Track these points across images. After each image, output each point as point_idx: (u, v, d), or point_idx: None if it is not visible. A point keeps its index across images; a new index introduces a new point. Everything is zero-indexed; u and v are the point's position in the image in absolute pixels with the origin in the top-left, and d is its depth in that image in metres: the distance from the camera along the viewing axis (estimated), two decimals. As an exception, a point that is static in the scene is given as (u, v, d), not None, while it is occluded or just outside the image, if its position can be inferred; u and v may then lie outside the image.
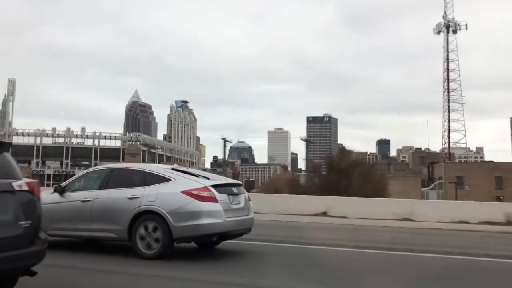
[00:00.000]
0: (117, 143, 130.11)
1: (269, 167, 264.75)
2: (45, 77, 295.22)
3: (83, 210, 7.52)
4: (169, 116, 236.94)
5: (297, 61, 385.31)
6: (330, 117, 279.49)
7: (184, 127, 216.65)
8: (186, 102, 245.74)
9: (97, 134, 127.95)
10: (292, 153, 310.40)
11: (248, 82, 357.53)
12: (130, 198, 7.20)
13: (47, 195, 7.49)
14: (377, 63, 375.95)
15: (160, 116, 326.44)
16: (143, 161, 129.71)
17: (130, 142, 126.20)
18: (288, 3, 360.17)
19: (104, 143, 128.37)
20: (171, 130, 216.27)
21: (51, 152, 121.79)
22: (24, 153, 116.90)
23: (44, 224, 4.96)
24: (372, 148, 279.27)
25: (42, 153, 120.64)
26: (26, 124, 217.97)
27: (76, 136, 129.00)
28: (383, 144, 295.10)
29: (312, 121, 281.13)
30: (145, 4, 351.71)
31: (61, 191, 7.87)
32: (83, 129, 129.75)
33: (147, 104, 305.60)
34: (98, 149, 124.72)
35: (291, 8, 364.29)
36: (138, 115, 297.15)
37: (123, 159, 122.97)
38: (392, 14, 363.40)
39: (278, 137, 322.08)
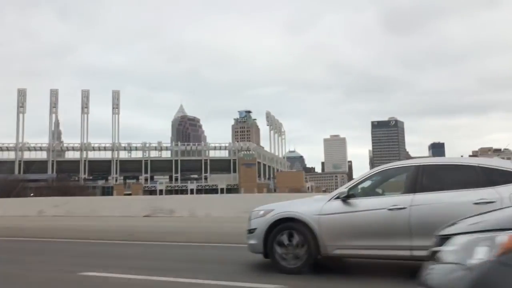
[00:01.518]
0: (221, 154, 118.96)
1: (335, 176, 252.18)
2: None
3: (395, 221, 5.57)
4: (233, 127, 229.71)
5: (335, 68, 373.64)
6: (396, 121, 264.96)
7: (252, 137, 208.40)
8: (249, 112, 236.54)
9: (204, 145, 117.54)
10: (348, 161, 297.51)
11: (285, 91, 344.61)
12: (478, 204, 5.16)
13: (323, 203, 5.94)
14: (418, 66, 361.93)
15: (207, 128, 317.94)
16: (260, 172, 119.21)
17: (245, 152, 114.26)
18: (327, 10, 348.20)
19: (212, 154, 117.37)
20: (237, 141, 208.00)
21: (157, 167, 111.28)
22: (130, 168, 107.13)
23: (327, 241, 5.44)
24: (423, 152, 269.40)
25: (150, 167, 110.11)
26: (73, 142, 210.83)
27: (155, 148, 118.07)
28: (437, 148, 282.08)
29: (377, 126, 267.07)
30: (182, 19, 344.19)
31: (346, 197, 5.88)
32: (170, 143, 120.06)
33: (196, 117, 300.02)
34: (208, 161, 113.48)
35: (330, 15, 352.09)
36: (187, 129, 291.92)
37: (234, 171, 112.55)
38: (434, 14, 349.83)
39: (334, 144, 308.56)
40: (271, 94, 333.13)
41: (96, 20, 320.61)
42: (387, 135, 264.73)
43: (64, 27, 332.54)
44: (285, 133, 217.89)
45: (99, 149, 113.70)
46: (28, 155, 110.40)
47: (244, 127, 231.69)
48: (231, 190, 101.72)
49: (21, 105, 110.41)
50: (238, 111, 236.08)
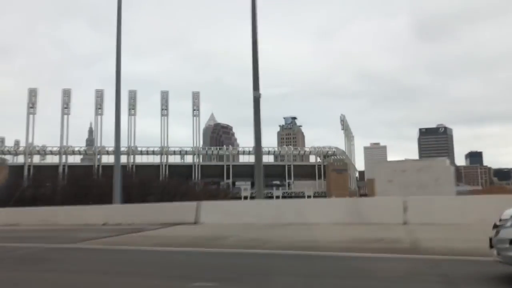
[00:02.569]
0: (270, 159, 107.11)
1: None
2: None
3: None
4: (279, 133, 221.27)
5: (364, 75, 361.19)
6: (445, 128, 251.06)
7: (298, 143, 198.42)
8: (294, 118, 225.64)
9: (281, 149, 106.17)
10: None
11: (311, 99, 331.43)
12: None
13: None
14: (449, 73, 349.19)
15: (239, 136, 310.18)
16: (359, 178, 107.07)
17: (334, 157, 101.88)
18: (358, 17, 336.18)
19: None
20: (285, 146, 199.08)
21: (237, 172, 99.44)
22: (209, 174, 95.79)
23: None
24: (460, 162, 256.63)
25: (232, 173, 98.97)
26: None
27: (209, 152, 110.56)
28: (475, 157, 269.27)
29: (425, 133, 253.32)
30: (210, 28, 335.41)
31: None
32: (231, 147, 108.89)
33: (228, 125, 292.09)
34: (292, 167, 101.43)
35: (360, 21, 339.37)
36: (221, 137, 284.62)
37: (321, 177, 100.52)
38: (468, 21, 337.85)
39: (374, 153, 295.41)
40: (298, 101, 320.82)
41: (127, 29, 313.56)
42: (436, 143, 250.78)
43: (95, 36, 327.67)
44: (305, 140, 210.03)
45: (147, 153, 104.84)
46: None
47: (290, 133, 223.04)
48: (319, 197, 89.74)
49: (66, 106, 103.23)
50: (284, 118, 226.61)
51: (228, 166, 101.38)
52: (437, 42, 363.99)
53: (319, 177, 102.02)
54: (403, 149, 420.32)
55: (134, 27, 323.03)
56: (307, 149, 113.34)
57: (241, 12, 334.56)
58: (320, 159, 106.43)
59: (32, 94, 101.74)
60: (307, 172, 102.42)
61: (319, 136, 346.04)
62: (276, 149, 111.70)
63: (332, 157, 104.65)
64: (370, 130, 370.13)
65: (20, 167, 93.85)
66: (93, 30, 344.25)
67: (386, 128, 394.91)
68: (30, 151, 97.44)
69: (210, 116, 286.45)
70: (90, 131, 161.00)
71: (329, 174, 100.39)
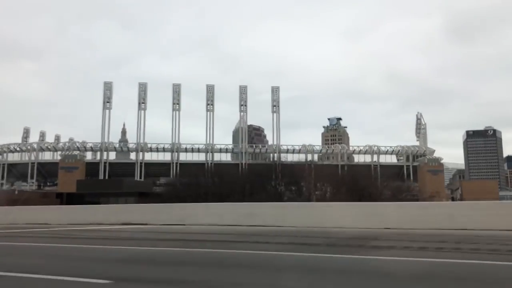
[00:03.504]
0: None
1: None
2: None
3: None
4: (323, 134, 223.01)
5: (393, 77, 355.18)
6: (494, 130, 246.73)
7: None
8: (339, 119, 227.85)
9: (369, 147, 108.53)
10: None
11: (339, 102, 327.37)
12: None
13: None
14: (480, 75, 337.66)
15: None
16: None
17: (428, 157, 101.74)
18: (390, 16, 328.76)
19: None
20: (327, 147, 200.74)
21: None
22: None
23: None
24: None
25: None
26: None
27: (293, 151, 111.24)
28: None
29: (472, 135, 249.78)
30: (237, 30, 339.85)
31: None
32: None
33: (260, 127, 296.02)
34: (378, 167, 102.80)
35: (392, 22, 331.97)
36: (253, 139, 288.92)
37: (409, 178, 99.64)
38: (503, 20, 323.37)
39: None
40: (325, 103, 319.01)
41: (157, 30, 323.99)
42: (484, 146, 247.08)
43: (127, 37, 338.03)
44: (349, 141, 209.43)
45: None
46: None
47: (335, 134, 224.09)
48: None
49: (143, 101, 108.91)
50: (328, 118, 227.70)
51: (309, 165, 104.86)
52: (470, 43, 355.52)
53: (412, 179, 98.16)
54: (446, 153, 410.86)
55: (164, 28, 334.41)
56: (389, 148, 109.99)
57: (270, 12, 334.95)
58: (403, 159, 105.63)
59: (107, 88, 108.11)
60: (392, 173, 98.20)
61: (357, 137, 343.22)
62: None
63: (427, 157, 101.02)
64: (398, 133, 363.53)
65: (95, 164, 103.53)
66: (124, 30, 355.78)
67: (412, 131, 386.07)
68: (106, 147, 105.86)
69: (240, 118, 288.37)
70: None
71: (423, 175, 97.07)
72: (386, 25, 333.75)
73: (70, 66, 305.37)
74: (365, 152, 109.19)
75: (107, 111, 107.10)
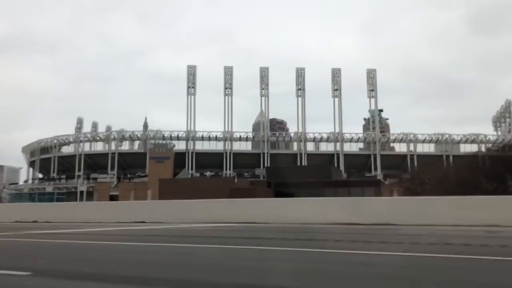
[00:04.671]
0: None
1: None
2: (153, 101, 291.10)
3: None
4: (364, 127, 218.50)
5: (409, 71, 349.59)
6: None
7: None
8: (381, 110, 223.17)
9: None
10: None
11: (353, 96, 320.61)
12: None
13: None
14: (500, 69, 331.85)
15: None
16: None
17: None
18: (409, 8, 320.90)
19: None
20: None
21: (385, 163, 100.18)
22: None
23: None
24: None
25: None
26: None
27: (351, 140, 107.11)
28: None
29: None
30: (254, 23, 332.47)
31: None
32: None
33: (283, 120, 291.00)
34: (451, 157, 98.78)
35: (411, 13, 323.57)
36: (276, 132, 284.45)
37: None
38: None
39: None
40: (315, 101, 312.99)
41: (172, 22, 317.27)
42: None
43: (141, 30, 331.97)
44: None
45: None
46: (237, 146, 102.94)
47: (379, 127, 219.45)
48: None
49: (229, 86, 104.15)
50: (369, 110, 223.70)
51: (374, 155, 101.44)
52: (490, 35, 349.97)
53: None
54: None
55: (180, 20, 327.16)
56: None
57: (287, 4, 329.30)
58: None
59: (191, 72, 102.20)
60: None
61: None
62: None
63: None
64: (413, 126, 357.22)
65: (181, 154, 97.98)
66: (139, 24, 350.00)
67: (429, 125, 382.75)
68: (192, 136, 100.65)
69: (260, 111, 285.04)
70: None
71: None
72: (404, 18, 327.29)
73: (85, 59, 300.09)
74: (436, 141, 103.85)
75: (191, 97, 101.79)
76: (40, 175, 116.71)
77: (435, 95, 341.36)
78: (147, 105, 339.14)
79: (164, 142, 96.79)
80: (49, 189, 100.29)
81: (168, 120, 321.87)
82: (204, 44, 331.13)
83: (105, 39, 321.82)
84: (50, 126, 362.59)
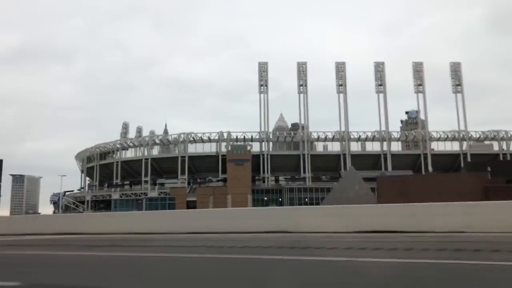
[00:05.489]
0: None
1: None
2: (168, 109, 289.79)
3: None
4: (402, 128, 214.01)
5: (426, 72, 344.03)
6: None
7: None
8: (417, 111, 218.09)
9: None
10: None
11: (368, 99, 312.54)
12: None
13: None
14: None
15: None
16: None
17: None
18: (428, 9, 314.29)
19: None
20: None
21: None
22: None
23: None
24: None
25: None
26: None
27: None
28: None
29: None
30: (270, 28, 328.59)
31: None
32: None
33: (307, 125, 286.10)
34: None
35: (430, 14, 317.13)
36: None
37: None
38: None
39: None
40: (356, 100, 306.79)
41: (188, 29, 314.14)
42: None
43: (157, 38, 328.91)
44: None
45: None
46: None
47: (416, 128, 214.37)
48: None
49: (303, 83, 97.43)
50: (407, 112, 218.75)
51: (465, 154, 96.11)
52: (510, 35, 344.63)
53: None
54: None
55: (196, 27, 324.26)
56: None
57: (305, 7, 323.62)
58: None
59: (263, 69, 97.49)
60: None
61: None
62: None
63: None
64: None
65: (256, 157, 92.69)
66: (155, 32, 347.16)
67: (447, 126, 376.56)
68: (267, 138, 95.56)
69: (279, 116, 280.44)
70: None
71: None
72: (423, 19, 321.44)
73: (101, 67, 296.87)
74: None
75: (263, 95, 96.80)
76: (89, 181, 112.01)
77: (452, 96, 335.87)
78: (164, 112, 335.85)
79: (241, 143, 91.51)
80: (115, 196, 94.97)
81: (187, 126, 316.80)
82: (219, 50, 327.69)
83: (121, 47, 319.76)
84: (66, 135, 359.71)
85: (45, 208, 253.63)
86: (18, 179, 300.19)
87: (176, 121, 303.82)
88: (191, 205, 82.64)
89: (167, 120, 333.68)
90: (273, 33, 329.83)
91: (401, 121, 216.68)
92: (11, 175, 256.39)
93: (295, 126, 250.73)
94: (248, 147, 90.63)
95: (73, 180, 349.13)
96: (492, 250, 8.59)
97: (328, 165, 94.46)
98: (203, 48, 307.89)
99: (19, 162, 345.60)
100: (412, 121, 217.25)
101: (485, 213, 14.54)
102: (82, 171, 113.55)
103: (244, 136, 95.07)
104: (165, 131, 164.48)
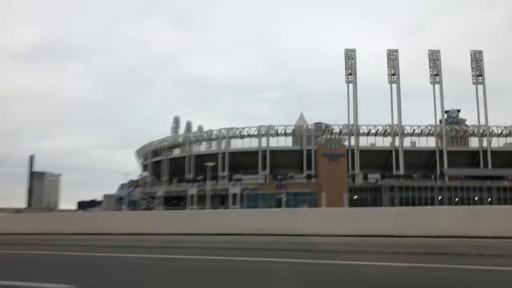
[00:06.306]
0: None
1: None
2: (184, 107, 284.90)
3: None
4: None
5: (445, 73, 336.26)
6: None
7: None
8: (459, 110, 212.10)
9: None
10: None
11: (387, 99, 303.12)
12: None
13: None
14: None
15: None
16: None
17: None
18: (451, 8, 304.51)
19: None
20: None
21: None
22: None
23: None
24: None
25: None
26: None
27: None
28: None
29: None
30: (289, 26, 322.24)
31: None
32: None
33: (330, 125, 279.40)
34: None
35: (453, 13, 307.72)
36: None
37: None
38: None
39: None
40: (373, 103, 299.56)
41: (208, 27, 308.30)
42: None
43: (176, 36, 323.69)
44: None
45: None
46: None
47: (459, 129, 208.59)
48: None
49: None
50: (447, 111, 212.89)
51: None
52: None
53: None
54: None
55: (216, 25, 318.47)
56: None
57: (325, 7, 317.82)
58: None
59: (350, 56, 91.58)
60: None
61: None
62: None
63: None
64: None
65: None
66: (173, 29, 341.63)
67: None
68: (355, 131, 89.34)
69: (300, 116, 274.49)
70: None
71: None
72: (444, 19, 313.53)
73: (118, 65, 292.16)
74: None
75: (351, 85, 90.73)
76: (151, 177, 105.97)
77: (471, 97, 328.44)
78: (183, 110, 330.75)
79: (336, 137, 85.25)
80: (192, 191, 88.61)
81: (205, 124, 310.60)
82: (238, 48, 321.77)
83: (139, 45, 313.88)
84: (84, 131, 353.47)
85: (66, 206, 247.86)
86: (38, 176, 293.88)
87: (196, 119, 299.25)
88: (280, 203, 76.53)
89: (180, 117, 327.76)
90: (293, 31, 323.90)
91: (440, 121, 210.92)
92: (31, 172, 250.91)
93: (318, 126, 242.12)
94: (344, 141, 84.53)
95: (95, 177, 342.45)
96: None
97: (420, 162, 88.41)
98: (222, 46, 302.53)
99: (38, 159, 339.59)
100: (452, 121, 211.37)
101: None
102: (144, 166, 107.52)
103: (332, 129, 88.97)
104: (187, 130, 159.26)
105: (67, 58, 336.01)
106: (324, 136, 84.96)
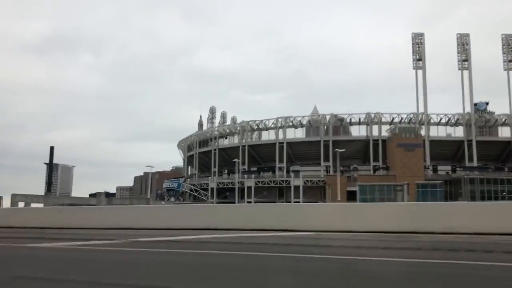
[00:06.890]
0: None
1: None
2: (192, 100, 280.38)
3: None
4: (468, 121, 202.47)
5: (455, 67, 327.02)
6: None
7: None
8: (487, 103, 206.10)
9: None
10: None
11: (398, 93, 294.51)
12: None
13: None
14: None
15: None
16: None
17: None
18: (464, 1, 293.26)
19: None
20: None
21: None
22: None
23: None
24: None
25: None
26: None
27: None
28: None
29: None
30: (300, 19, 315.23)
31: None
32: None
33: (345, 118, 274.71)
34: None
35: (467, 5, 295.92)
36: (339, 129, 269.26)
37: None
38: None
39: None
40: (385, 96, 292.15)
41: (218, 20, 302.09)
42: None
43: (186, 28, 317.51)
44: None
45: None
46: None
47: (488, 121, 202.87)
48: None
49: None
50: (475, 104, 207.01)
51: None
52: None
53: None
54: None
55: (227, 18, 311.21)
56: None
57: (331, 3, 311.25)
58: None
59: (417, 41, 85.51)
60: None
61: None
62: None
63: None
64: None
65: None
66: (184, 21, 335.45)
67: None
68: (425, 120, 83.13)
69: (313, 109, 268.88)
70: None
71: None
72: (458, 11, 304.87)
73: (128, 58, 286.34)
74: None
75: (419, 71, 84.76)
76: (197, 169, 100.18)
77: (487, 92, 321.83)
78: (194, 104, 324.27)
79: (410, 126, 79.41)
80: (249, 183, 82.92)
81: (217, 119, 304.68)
82: (249, 41, 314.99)
83: (149, 37, 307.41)
84: (93, 124, 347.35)
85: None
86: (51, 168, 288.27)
87: (202, 113, 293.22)
88: (350, 197, 70.84)
89: (192, 111, 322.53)
90: (304, 24, 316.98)
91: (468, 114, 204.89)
92: (45, 163, 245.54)
93: (332, 118, 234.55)
94: (420, 130, 78.73)
95: (105, 170, 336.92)
96: None
97: (492, 153, 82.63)
98: (233, 39, 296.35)
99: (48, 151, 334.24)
100: (481, 114, 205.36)
101: None
102: (188, 158, 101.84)
103: (402, 118, 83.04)
104: (200, 123, 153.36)
105: (77, 50, 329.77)
106: (397, 125, 79.09)
